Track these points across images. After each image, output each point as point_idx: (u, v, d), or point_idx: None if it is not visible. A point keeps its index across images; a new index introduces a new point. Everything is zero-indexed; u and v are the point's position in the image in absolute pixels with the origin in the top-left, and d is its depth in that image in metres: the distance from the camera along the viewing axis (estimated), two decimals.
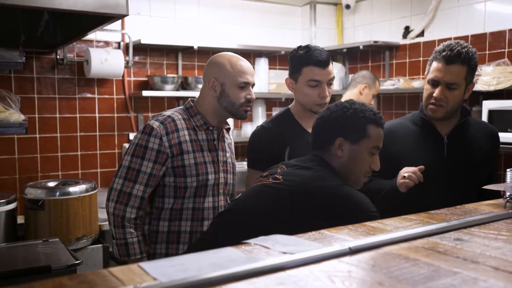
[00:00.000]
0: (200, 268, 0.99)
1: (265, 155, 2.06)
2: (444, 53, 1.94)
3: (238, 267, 0.96)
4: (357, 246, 1.08)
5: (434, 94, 1.95)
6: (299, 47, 2.07)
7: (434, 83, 1.97)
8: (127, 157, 1.89)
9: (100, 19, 2.53)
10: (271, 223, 1.43)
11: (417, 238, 1.16)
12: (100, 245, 2.98)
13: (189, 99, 2.06)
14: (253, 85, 2.03)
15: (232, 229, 1.58)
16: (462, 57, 1.91)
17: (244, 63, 1.99)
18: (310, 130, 2.09)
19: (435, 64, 1.97)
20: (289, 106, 2.18)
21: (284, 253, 1.08)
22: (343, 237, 1.20)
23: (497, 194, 1.82)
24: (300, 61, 2.04)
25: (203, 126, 1.98)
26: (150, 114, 3.83)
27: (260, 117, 4.14)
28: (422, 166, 1.85)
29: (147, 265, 1.01)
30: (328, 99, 2.05)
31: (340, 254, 1.05)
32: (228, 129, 2.14)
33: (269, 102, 4.34)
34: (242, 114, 2.00)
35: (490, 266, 0.96)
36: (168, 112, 1.99)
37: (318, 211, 1.51)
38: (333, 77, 2.05)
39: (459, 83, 1.93)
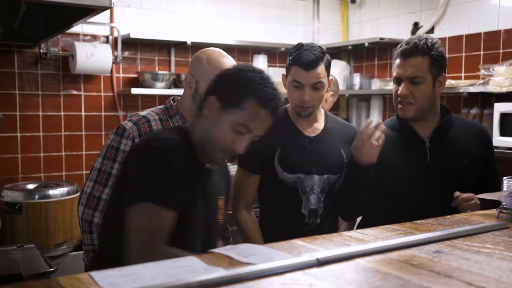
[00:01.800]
0: (152, 278, 0.99)
1: (255, 155, 2.06)
2: (401, 48, 1.96)
3: (192, 278, 0.95)
4: (326, 257, 1.07)
5: (398, 92, 1.96)
6: (297, 44, 2.07)
7: (397, 80, 1.98)
8: (99, 159, 1.90)
9: (83, 11, 2.54)
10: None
11: (394, 250, 1.15)
12: (82, 252, 2.99)
13: (170, 97, 2.05)
14: None
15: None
16: (420, 48, 1.92)
17: (224, 60, 1.94)
18: (305, 132, 2.10)
19: (396, 62, 1.99)
20: (287, 105, 2.18)
21: (248, 263, 1.07)
22: (315, 248, 1.20)
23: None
24: (291, 59, 2.05)
25: None
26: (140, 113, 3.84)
27: None
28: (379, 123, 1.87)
29: (97, 274, 1.01)
30: (310, 103, 2.03)
31: (307, 265, 1.04)
32: None
33: None
34: None
35: (463, 281, 0.95)
36: (144, 112, 1.98)
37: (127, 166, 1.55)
38: (320, 82, 2.01)
39: (422, 76, 1.93)
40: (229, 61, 1.95)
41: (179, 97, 2.05)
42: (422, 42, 1.93)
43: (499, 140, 3.06)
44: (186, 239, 1.55)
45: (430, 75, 1.94)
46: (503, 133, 3.07)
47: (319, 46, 2.06)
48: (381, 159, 1.98)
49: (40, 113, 3.58)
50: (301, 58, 2.00)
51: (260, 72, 1.58)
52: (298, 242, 1.24)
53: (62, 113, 3.65)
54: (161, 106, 2.04)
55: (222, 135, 1.54)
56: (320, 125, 2.15)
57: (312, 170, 2.06)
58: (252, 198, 2.14)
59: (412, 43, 1.94)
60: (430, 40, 1.95)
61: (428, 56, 1.93)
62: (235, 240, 2.28)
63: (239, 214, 2.12)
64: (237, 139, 1.55)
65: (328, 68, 2.06)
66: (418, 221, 1.45)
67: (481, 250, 1.15)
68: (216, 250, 1.17)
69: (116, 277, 1.00)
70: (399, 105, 1.99)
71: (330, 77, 2.14)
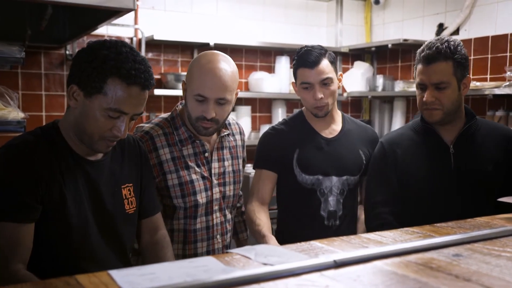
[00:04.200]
0: (170, 277, 1.00)
1: (273, 156, 2.08)
2: (423, 54, 1.90)
3: (208, 277, 0.96)
4: (343, 259, 1.07)
5: (424, 99, 1.90)
6: (297, 50, 2.09)
7: (422, 87, 1.93)
8: None
9: (107, 13, 2.58)
10: None
11: (412, 253, 1.14)
12: None
13: (178, 104, 1.97)
14: (220, 100, 1.78)
15: None
16: (443, 53, 1.86)
17: (214, 71, 1.76)
18: (322, 133, 2.11)
19: (419, 67, 1.93)
20: (303, 108, 2.19)
21: (265, 264, 1.08)
22: (333, 249, 1.20)
23: None
24: (295, 64, 2.07)
25: (188, 140, 1.88)
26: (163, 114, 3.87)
27: (280, 118, 4.13)
28: None
29: (116, 273, 1.03)
30: (324, 101, 2.02)
31: (324, 267, 1.04)
32: (228, 134, 2.01)
33: (290, 103, 4.33)
34: (200, 129, 1.83)
35: (482, 285, 0.94)
36: (148, 126, 1.88)
37: None
38: (328, 78, 2.01)
39: (447, 81, 1.87)
40: (218, 73, 1.77)
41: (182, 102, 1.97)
42: (444, 46, 1.87)
43: None
44: (83, 238, 1.47)
45: (455, 79, 1.89)
46: None
47: (319, 45, 2.07)
48: (404, 164, 1.96)
49: None
50: (303, 58, 2.02)
51: (116, 45, 1.43)
52: (316, 243, 1.24)
53: None
54: (168, 116, 1.94)
55: (96, 125, 1.42)
56: (337, 126, 2.15)
57: (331, 172, 2.06)
58: (267, 195, 2.08)
59: (434, 48, 1.88)
60: (452, 43, 1.89)
61: (452, 60, 1.88)
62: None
63: (249, 205, 2.06)
64: (114, 123, 1.43)
65: (333, 63, 2.06)
66: (437, 224, 1.43)
67: (502, 254, 1.13)
68: (234, 251, 1.18)
69: (134, 276, 1.02)
70: (425, 111, 1.94)
71: (339, 73, 2.14)
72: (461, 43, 1.94)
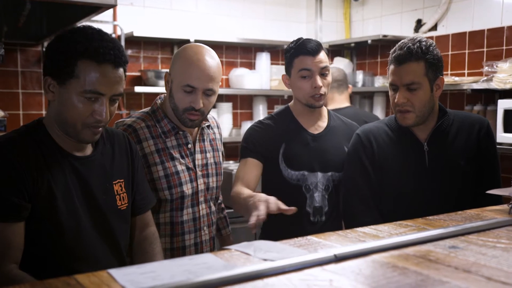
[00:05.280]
0: (172, 275, 0.99)
1: (259, 149, 2.06)
2: (395, 54, 1.88)
3: (212, 274, 0.96)
4: (343, 253, 1.08)
5: (395, 100, 1.90)
6: (292, 41, 2.09)
7: (393, 87, 1.92)
8: None
9: (88, 9, 2.55)
10: None
11: (409, 246, 1.15)
12: None
13: (157, 98, 1.97)
14: (207, 90, 1.81)
15: None
16: (414, 53, 1.84)
17: (202, 62, 1.79)
18: (309, 129, 2.11)
19: (391, 67, 1.92)
20: (289, 104, 2.20)
21: (265, 260, 1.08)
22: (330, 244, 1.21)
23: (497, 199, 1.79)
24: (291, 53, 2.06)
25: (172, 131, 1.88)
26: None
27: (261, 115, 4.14)
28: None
29: (116, 272, 1.02)
30: (323, 90, 2.03)
31: (324, 261, 1.05)
32: (208, 126, 2.03)
33: (271, 99, 4.33)
34: (186, 121, 1.85)
35: (483, 276, 0.96)
36: (129, 120, 1.88)
37: None
38: (327, 67, 2.04)
39: (419, 82, 1.86)
40: (205, 63, 1.80)
41: (163, 95, 1.98)
42: (416, 46, 1.86)
43: (502, 137, 3.06)
44: (74, 236, 1.44)
45: (426, 80, 1.88)
46: (506, 129, 3.06)
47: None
48: (380, 159, 1.97)
49: (44, 112, 3.57)
50: (304, 46, 2.02)
51: (82, 29, 1.42)
52: (313, 238, 1.25)
53: None
54: (148, 110, 1.94)
55: (76, 113, 1.40)
56: (323, 122, 2.16)
57: (316, 168, 2.06)
58: (252, 181, 2.01)
59: (406, 48, 1.86)
60: (424, 43, 1.88)
61: (423, 61, 1.86)
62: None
63: (233, 189, 1.98)
64: (94, 107, 1.41)
65: (327, 55, 2.08)
66: (430, 217, 1.45)
67: (497, 245, 1.15)
68: (232, 247, 1.18)
69: (135, 274, 1.01)
70: (397, 114, 1.94)
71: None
72: (434, 44, 1.93)
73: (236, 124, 4.22)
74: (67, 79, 1.39)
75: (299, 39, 2.08)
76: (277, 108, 4.19)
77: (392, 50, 1.93)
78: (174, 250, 1.88)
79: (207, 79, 1.80)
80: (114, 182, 1.58)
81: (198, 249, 1.91)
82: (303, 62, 2.02)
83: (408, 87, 1.87)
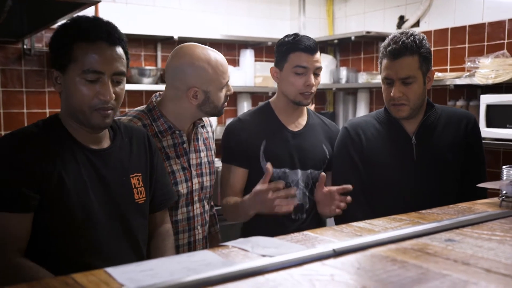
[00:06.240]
0: (171, 273, 0.98)
1: (241, 149, 2.04)
2: (389, 48, 1.89)
3: (212, 271, 0.95)
4: (342, 248, 1.08)
5: (392, 94, 1.91)
6: (287, 35, 2.08)
7: (388, 81, 1.93)
8: None
9: (70, 6, 2.51)
10: None
11: (406, 239, 1.16)
12: None
13: (153, 96, 1.95)
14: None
15: None
16: (410, 47, 1.86)
17: (221, 59, 1.89)
18: (289, 126, 2.10)
19: (384, 62, 1.93)
20: (270, 100, 2.18)
21: (263, 256, 1.07)
22: (327, 239, 1.20)
23: (484, 192, 1.82)
24: (288, 47, 2.03)
25: (168, 131, 1.87)
26: (126, 109, 3.79)
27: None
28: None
29: (114, 270, 1.00)
30: (314, 89, 2.04)
31: (323, 256, 1.05)
32: (202, 126, 2.02)
33: (255, 96, 4.33)
34: (222, 111, 1.95)
35: (482, 268, 0.97)
36: (126, 119, 1.85)
37: None
38: (321, 67, 2.05)
39: (414, 75, 1.89)
40: (223, 59, 1.90)
41: (159, 93, 1.96)
42: (410, 40, 1.87)
43: (485, 132, 3.10)
44: (87, 230, 1.43)
45: (420, 73, 1.91)
46: (489, 124, 3.11)
47: None
48: (369, 152, 1.98)
49: (25, 110, 3.51)
50: (304, 43, 2.01)
51: (77, 17, 1.46)
52: (309, 233, 1.25)
53: (47, 110, 3.59)
54: (144, 108, 1.92)
55: (80, 97, 1.41)
56: (303, 120, 2.16)
57: (296, 165, 2.06)
58: (239, 188, 2.06)
59: (400, 42, 1.87)
60: (417, 37, 1.90)
61: (417, 55, 1.88)
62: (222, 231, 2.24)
63: (225, 199, 2.04)
64: (96, 89, 1.41)
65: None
66: (423, 211, 1.47)
67: (492, 238, 1.17)
68: (229, 243, 1.17)
69: (133, 272, 0.99)
70: (392, 107, 1.95)
71: None
72: (425, 37, 1.95)
73: (221, 121, 4.21)
74: (67, 65, 1.41)
75: (296, 34, 2.06)
76: None
77: (385, 45, 1.93)
78: None
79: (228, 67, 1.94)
80: (131, 176, 1.57)
81: (191, 248, 1.90)
82: (301, 58, 2.01)
83: (404, 81, 1.89)
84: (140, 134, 1.67)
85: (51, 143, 1.43)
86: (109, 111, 1.45)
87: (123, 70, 1.46)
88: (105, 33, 1.42)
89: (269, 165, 1.77)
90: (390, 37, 1.93)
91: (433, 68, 2.00)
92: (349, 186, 1.85)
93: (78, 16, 1.49)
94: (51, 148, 1.42)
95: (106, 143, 1.54)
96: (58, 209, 1.39)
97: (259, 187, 1.77)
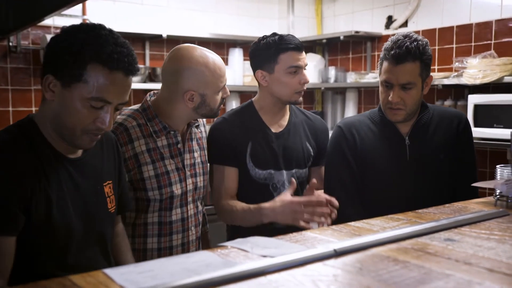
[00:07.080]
0: (171, 274, 0.96)
1: (230, 147, 2.01)
2: (392, 52, 1.85)
3: (213, 272, 0.93)
4: (343, 248, 1.07)
5: (390, 98, 1.89)
6: (265, 36, 2.03)
7: (387, 85, 1.91)
8: None
9: (58, 3, 2.46)
10: None
11: (406, 239, 1.15)
12: None
13: (147, 95, 1.92)
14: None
15: None
16: (413, 53, 1.83)
17: (219, 62, 1.86)
18: (272, 127, 2.07)
19: (385, 64, 1.91)
20: (253, 99, 2.14)
21: (264, 256, 1.06)
22: (326, 239, 1.20)
23: (476, 191, 1.83)
24: (276, 48, 1.99)
25: (163, 131, 1.84)
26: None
27: None
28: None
29: (112, 271, 0.98)
30: (305, 87, 2.04)
31: (325, 256, 1.04)
32: (197, 126, 2.00)
33: (244, 95, 4.31)
34: (218, 113, 1.94)
35: (484, 267, 0.96)
36: (120, 118, 1.82)
37: None
38: (307, 64, 2.06)
39: (414, 82, 1.86)
40: (220, 61, 1.87)
41: (154, 92, 1.93)
42: (414, 46, 1.84)
43: (473, 131, 3.11)
44: (67, 244, 1.36)
45: (420, 80, 1.89)
46: (476, 124, 3.13)
47: None
48: (363, 152, 1.98)
49: (11, 108, 3.46)
50: (293, 42, 1.99)
51: (94, 28, 1.30)
52: (308, 233, 1.24)
53: (33, 108, 3.53)
54: (138, 107, 1.88)
55: (78, 118, 1.29)
56: (285, 120, 2.13)
57: (281, 166, 2.04)
58: (234, 189, 2.03)
59: (404, 47, 1.83)
60: (421, 43, 1.86)
61: (419, 61, 1.86)
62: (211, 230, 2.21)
63: (222, 201, 1.99)
64: (97, 115, 1.30)
65: None
66: (420, 210, 1.46)
67: (491, 237, 1.17)
68: (227, 244, 1.15)
69: (132, 273, 0.97)
70: (388, 110, 1.94)
71: None
72: (428, 43, 1.92)
73: (209, 121, 4.18)
74: (74, 82, 1.27)
75: (276, 34, 2.03)
76: None
77: (387, 47, 1.90)
78: (161, 250, 1.83)
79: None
80: (104, 184, 1.49)
81: (185, 249, 1.87)
82: (293, 57, 1.99)
83: (403, 86, 1.87)
84: (110, 139, 1.58)
85: (31, 153, 1.30)
86: (99, 136, 1.37)
87: (127, 100, 1.36)
88: (126, 63, 1.29)
89: (293, 179, 1.82)
90: (393, 39, 1.89)
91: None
92: (336, 203, 1.77)
93: (95, 26, 1.31)
94: (33, 158, 1.30)
95: (80, 151, 1.43)
96: (41, 226, 1.30)
97: (289, 198, 1.79)
